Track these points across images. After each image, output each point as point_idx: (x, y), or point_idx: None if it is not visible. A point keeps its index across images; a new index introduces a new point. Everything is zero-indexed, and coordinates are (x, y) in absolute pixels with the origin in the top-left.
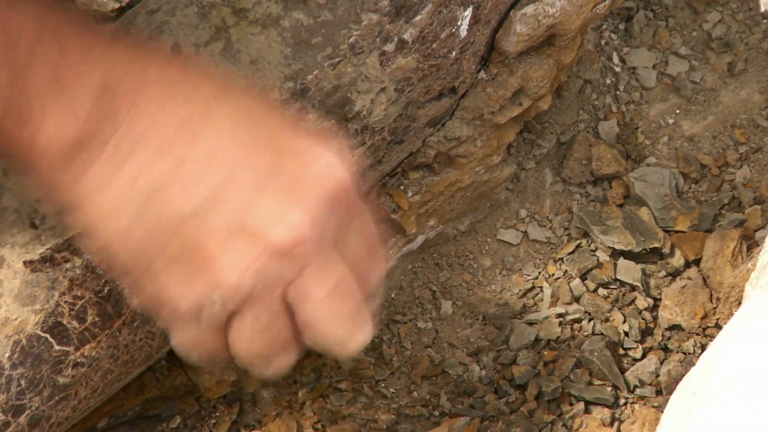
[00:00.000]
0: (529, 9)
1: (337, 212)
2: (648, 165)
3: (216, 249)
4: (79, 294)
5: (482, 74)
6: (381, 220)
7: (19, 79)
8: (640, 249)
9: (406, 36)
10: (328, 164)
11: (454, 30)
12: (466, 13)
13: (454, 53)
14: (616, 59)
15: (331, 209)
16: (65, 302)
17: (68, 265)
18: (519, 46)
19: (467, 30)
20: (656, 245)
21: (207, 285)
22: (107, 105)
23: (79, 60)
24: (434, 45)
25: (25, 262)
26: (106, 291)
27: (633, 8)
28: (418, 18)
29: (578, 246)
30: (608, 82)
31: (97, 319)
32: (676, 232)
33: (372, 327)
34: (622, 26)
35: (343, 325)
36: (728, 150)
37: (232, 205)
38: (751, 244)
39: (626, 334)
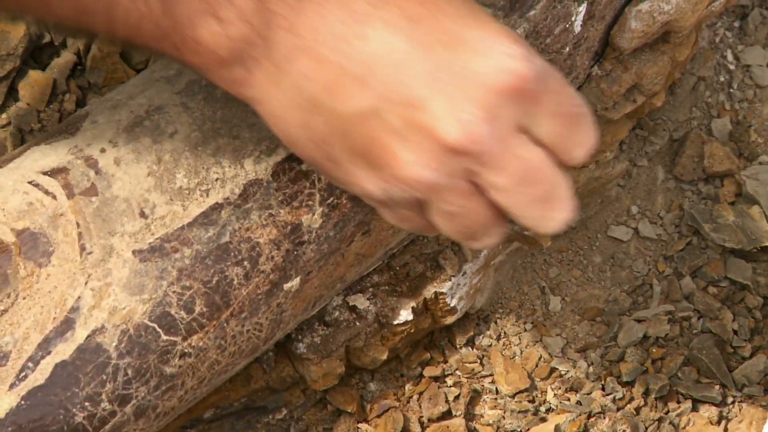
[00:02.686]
0: (645, 5)
1: (518, 102)
2: (761, 163)
3: (393, 144)
4: (187, 284)
5: (596, 70)
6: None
7: None
8: (751, 247)
9: (520, 30)
10: (504, 57)
11: (568, 25)
12: (581, 8)
13: (567, 49)
14: (730, 57)
15: (510, 101)
16: (173, 292)
17: (177, 255)
18: (634, 43)
19: (581, 25)
20: (767, 244)
21: (390, 176)
22: (271, 5)
23: None
24: (548, 40)
25: (134, 252)
26: (214, 282)
27: (748, 6)
28: (532, 13)
29: (689, 243)
30: (722, 79)
31: (204, 309)
32: None
33: (570, 206)
34: (736, 24)
35: (535, 210)
36: None
37: (405, 102)
38: None
39: (735, 332)
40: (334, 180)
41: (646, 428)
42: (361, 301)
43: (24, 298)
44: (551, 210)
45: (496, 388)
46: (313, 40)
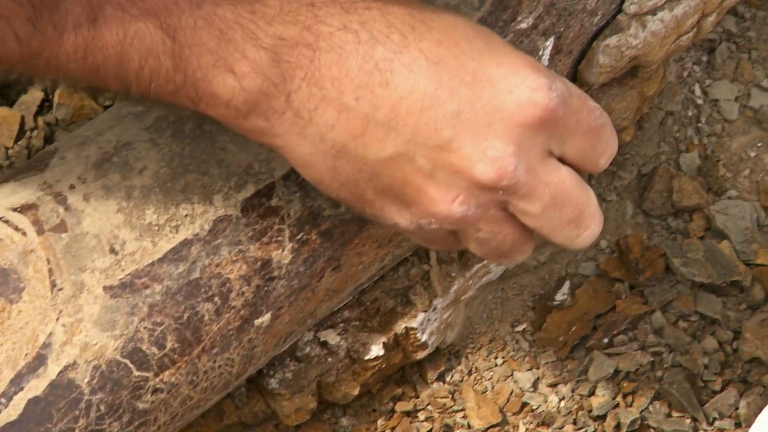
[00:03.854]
0: (612, 40)
1: (545, 131)
2: (729, 198)
3: (424, 184)
4: (158, 320)
5: None
6: None
7: (192, 38)
8: (721, 282)
9: None
10: (526, 90)
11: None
12: (548, 43)
13: None
14: (698, 91)
15: (537, 132)
16: (145, 328)
17: (148, 291)
18: (602, 77)
19: (549, 60)
20: (737, 278)
21: (420, 211)
22: (287, 57)
23: (251, 16)
24: None
25: (104, 288)
26: (185, 317)
27: (716, 40)
28: None
29: (659, 278)
30: (690, 114)
31: (176, 345)
32: (757, 265)
33: (598, 221)
34: (704, 58)
35: (565, 230)
36: None
37: (433, 145)
38: None
39: (706, 366)
40: (365, 215)
41: None
42: (332, 337)
43: None
44: (582, 228)
45: (468, 423)
46: (334, 90)
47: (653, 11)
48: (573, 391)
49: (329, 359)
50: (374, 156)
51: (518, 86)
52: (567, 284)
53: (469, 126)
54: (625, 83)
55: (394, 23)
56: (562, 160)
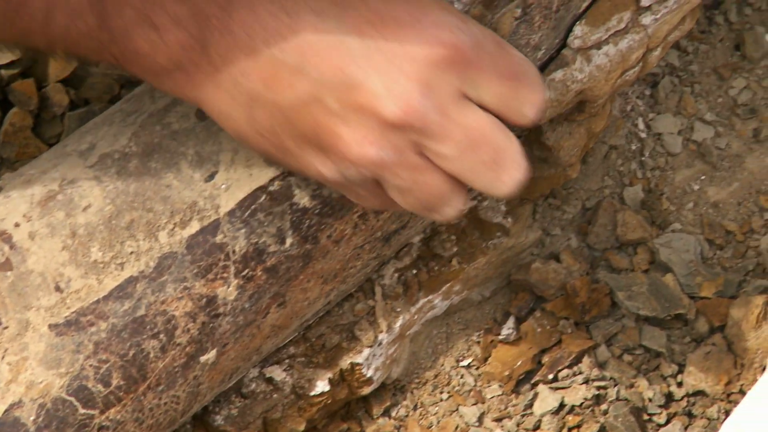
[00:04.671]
0: (558, 74)
1: (454, 71)
2: (673, 231)
3: (336, 126)
4: (104, 357)
5: None
6: None
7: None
8: (665, 315)
9: None
10: (433, 29)
11: None
12: None
13: None
14: (641, 125)
15: (445, 71)
16: (90, 366)
17: (93, 329)
18: (548, 113)
19: None
20: (681, 311)
21: (338, 157)
22: (204, 8)
23: None
24: None
25: (50, 326)
26: (131, 355)
27: (659, 74)
28: None
29: (604, 314)
30: (634, 148)
31: (121, 382)
32: (701, 298)
33: (519, 166)
34: (647, 92)
35: (485, 174)
36: (753, 216)
37: (341, 85)
38: None
39: (650, 399)
40: (291, 169)
41: None
42: (277, 373)
43: None
44: (501, 173)
45: None
46: (245, 36)
47: (598, 45)
48: (518, 425)
49: (275, 395)
50: (285, 100)
51: (425, 25)
52: (512, 319)
53: (375, 65)
54: (573, 119)
55: None
56: (483, 107)
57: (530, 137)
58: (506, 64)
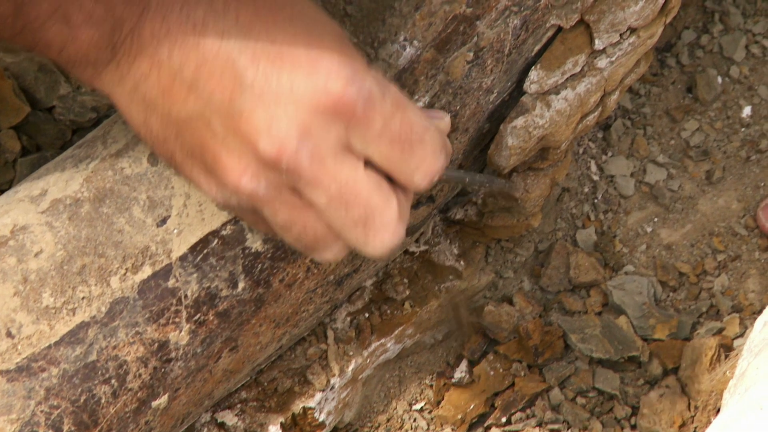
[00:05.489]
0: (519, 122)
1: (339, 122)
2: (626, 273)
3: (219, 149)
4: (55, 403)
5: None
6: None
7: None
8: (619, 357)
9: None
10: (325, 77)
11: None
12: None
13: None
14: (594, 167)
15: (328, 121)
16: (41, 412)
17: (44, 375)
18: (512, 160)
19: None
20: (634, 354)
21: (219, 181)
22: (120, 11)
23: None
24: None
25: (1, 372)
26: (82, 400)
27: (611, 116)
28: None
29: (557, 357)
30: (586, 190)
31: (73, 428)
32: (655, 340)
33: (392, 232)
34: (600, 134)
35: (353, 231)
36: (706, 258)
37: (228, 111)
38: (729, 352)
39: None
40: (188, 181)
41: None
42: (229, 417)
43: None
44: (371, 233)
45: None
46: (153, 44)
47: (556, 90)
48: None
49: None
50: (177, 113)
51: (318, 70)
52: (465, 362)
53: (262, 100)
54: (538, 168)
55: None
56: (371, 165)
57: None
58: (400, 126)
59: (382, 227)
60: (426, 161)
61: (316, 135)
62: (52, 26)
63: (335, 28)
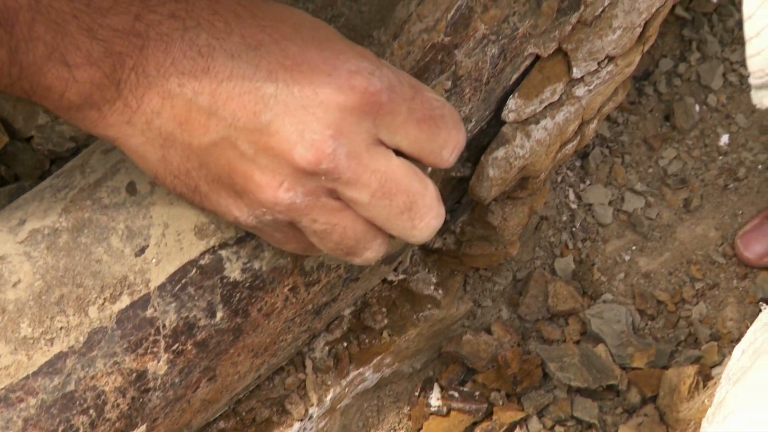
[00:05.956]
0: (500, 153)
1: (367, 116)
2: (604, 302)
3: (249, 169)
4: None
5: (457, 226)
6: None
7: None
8: (597, 386)
9: None
10: (346, 74)
11: None
12: None
13: None
14: (572, 196)
15: (358, 117)
16: None
17: (22, 405)
18: (493, 191)
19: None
20: (613, 382)
21: (251, 201)
22: (119, 48)
23: (87, 9)
24: None
25: None
26: (60, 431)
27: (589, 145)
28: None
29: (535, 386)
30: (564, 218)
31: None
32: (633, 368)
33: (435, 213)
34: (578, 163)
35: (398, 220)
36: (684, 286)
37: (254, 128)
38: (707, 381)
39: None
40: (210, 211)
41: None
42: None
43: None
44: (417, 220)
45: None
46: (160, 77)
47: (536, 120)
48: None
49: None
50: (199, 142)
51: (337, 69)
52: (441, 391)
53: (287, 109)
54: (517, 197)
55: (219, 11)
56: (400, 153)
57: (474, 216)
58: (422, 107)
59: (427, 210)
60: (451, 135)
61: (349, 133)
62: (51, 69)
63: (331, 28)
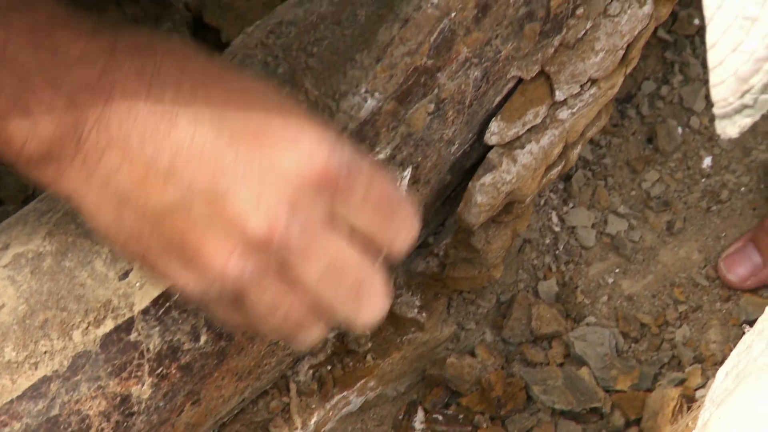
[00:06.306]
0: (487, 178)
1: (324, 193)
2: (588, 324)
3: (199, 236)
4: None
5: (440, 249)
6: None
7: None
8: (581, 409)
9: None
10: (307, 149)
11: None
12: (405, 173)
13: None
14: (555, 219)
15: (314, 192)
16: None
17: (6, 430)
18: (481, 217)
19: (407, 189)
20: (597, 405)
21: (200, 270)
22: (82, 102)
23: (52, 61)
24: None
25: None
26: None
27: (572, 168)
28: None
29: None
30: (548, 241)
31: None
32: (617, 391)
33: (381, 299)
34: (561, 185)
35: (345, 302)
36: (668, 309)
37: (210, 193)
38: (691, 404)
39: None
40: (159, 277)
41: None
42: None
43: None
44: (363, 302)
45: None
46: (122, 134)
47: (521, 145)
48: None
49: None
50: (154, 205)
51: (299, 144)
52: (425, 414)
53: (246, 178)
54: (501, 221)
55: (187, 72)
56: (353, 235)
57: (457, 239)
58: (379, 191)
59: (374, 295)
60: (405, 225)
61: (305, 208)
62: (12, 120)
63: (296, 102)
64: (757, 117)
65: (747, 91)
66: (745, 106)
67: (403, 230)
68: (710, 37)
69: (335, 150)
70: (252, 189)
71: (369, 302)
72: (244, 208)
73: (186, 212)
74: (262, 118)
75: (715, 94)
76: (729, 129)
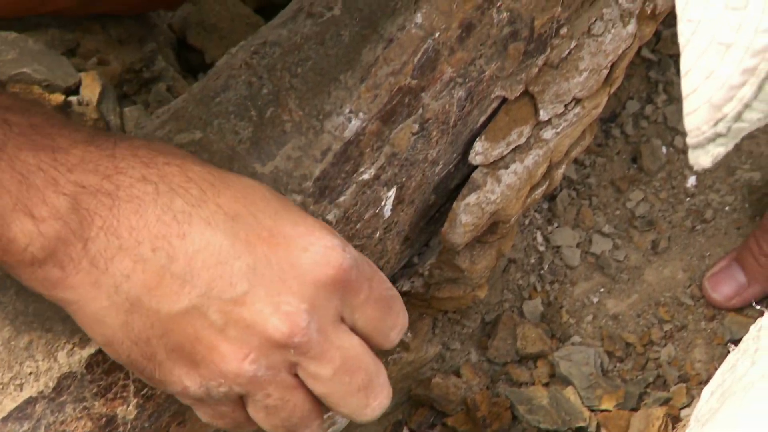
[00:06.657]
0: (472, 198)
1: (338, 293)
2: (573, 344)
3: (215, 340)
4: None
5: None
6: None
7: None
8: (566, 429)
9: (330, 216)
10: (322, 249)
11: (377, 210)
12: (390, 193)
13: (378, 233)
14: (539, 238)
15: (330, 292)
16: None
17: None
18: (466, 237)
19: (391, 210)
20: (582, 424)
21: (210, 371)
22: (87, 205)
23: (53, 163)
24: (358, 225)
25: None
26: None
27: (556, 187)
28: (342, 198)
29: (505, 428)
30: (532, 261)
31: None
32: (602, 410)
33: (387, 393)
34: (545, 205)
35: (354, 398)
36: (653, 328)
37: (226, 298)
38: (676, 423)
39: None
40: (150, 380)
41: None
42: None
43: None
44: (371, 397)
45: None
46: (132, 240)
47: (505, 165)
48: None
49: None
50: (168, 310)
51: (313, 245)
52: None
53: (263, 281)
54: (486, 241)
55: (193, 178)
56: (354, 330)
57: (442, 259)
58: (379, 287)
59: (380, 390)
60: (400, 317)
61: (320, 307)
62: (15, 220)
63: (292, 202)
64: (730, 146)
65: (720, 120)
66: (719, 135)
67: (398, 325)
68: (684, 63)
69: (345, 250)
70: (270, 291)
71: (376, 397)
72: (263, 310)
73: (200, 317)
74: (272, 221)
75: (688, 122)
76: (702, 159)
